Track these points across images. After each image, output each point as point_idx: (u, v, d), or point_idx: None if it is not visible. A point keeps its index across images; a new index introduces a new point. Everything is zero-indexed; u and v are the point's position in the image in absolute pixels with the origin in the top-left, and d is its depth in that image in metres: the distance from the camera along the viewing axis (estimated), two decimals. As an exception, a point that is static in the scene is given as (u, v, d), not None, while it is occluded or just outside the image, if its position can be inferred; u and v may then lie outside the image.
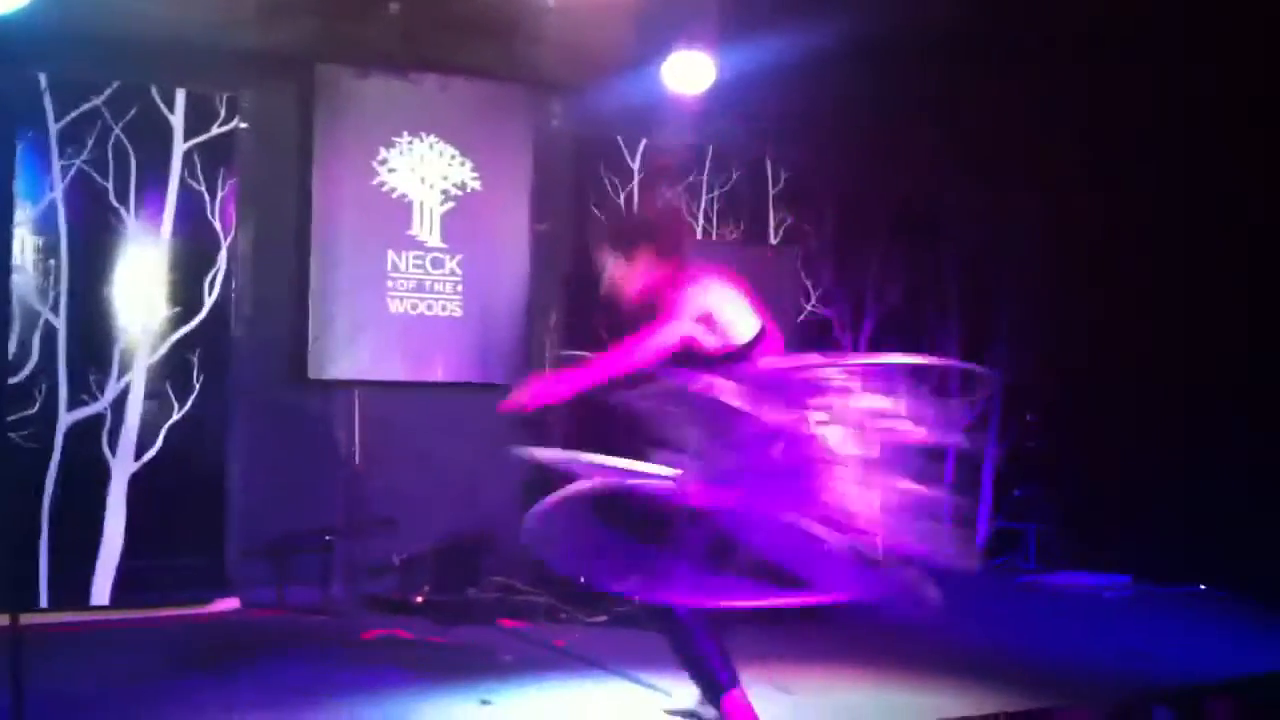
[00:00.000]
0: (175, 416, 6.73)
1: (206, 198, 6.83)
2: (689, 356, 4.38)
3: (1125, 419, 8.26)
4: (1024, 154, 8.09)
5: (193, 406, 6.78)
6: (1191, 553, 7.84)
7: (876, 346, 8.63)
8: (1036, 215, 8.44)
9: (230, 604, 6.82)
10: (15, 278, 6.37)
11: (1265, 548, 7.59)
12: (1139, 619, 6.98)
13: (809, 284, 8.47)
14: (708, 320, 4.41)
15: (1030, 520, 8.66)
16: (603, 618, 6.69)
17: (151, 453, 6.67)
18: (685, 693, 4.83)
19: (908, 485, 3.97)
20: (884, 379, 4.12)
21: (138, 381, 6.63)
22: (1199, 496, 7.87)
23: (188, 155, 6.80)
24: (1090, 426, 8.47)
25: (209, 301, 6.85)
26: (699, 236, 8.05)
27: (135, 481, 6.60)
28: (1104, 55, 7.57)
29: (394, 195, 7.32)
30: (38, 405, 6.40)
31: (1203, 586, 7.69)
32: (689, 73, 7.35)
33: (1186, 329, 7.87)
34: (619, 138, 7.97)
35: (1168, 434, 8.05)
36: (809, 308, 8.46)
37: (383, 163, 7.28)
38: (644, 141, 8.01)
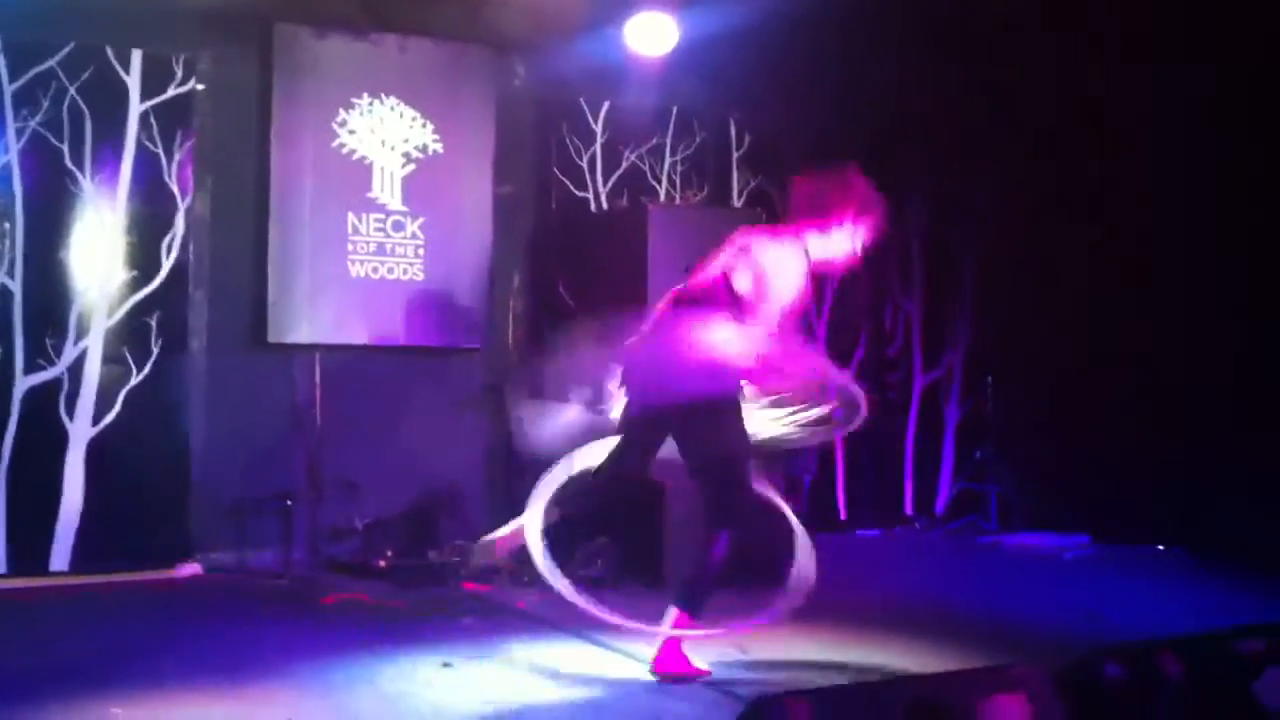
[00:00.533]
0: (134, 381, 6.69)
1: (163, 160, 6.77)
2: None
3: (1082, 380, 8.31)
4: (984, 118, 8.10)
5: (151, 371, 6.74)
6: (1150, 512, 7.92)
7: (840, 309, 8.66)
8: (995, 179, 8.47)
9: (192, 569, 6.79)
10: (-31, 242, 6.31)
11: (1222, 506, 7.69)
12: (1096, 578, 7.05)
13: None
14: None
15: (991, 482, 8.72)
16: (565, 580, 6.69)
17: (110, 418, 6.62)
18: (645, 652, 4.87)
19: None
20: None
21: (95, 346, 6.58)
22: (1157, 456, 7.94)
23: (144, 117, 6.72)
24: (1047, 387, 8.52)
25: (167, 265, 6.79)
26: (662, 199, 8.03)
27: (94, 447, 6.55)
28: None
29: (354, 157, 7.26)
30: (-7, 371, 6.35)
31: (1161, 546, 7.75)
32: (652, 34, 7.33)
33: (1143, 290, 7.92)
34: (582, 99, 7.94)
35: (1126, 395, 8.11)
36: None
37: (342, 124, 7.21)
38: (607, 103, 7.98)
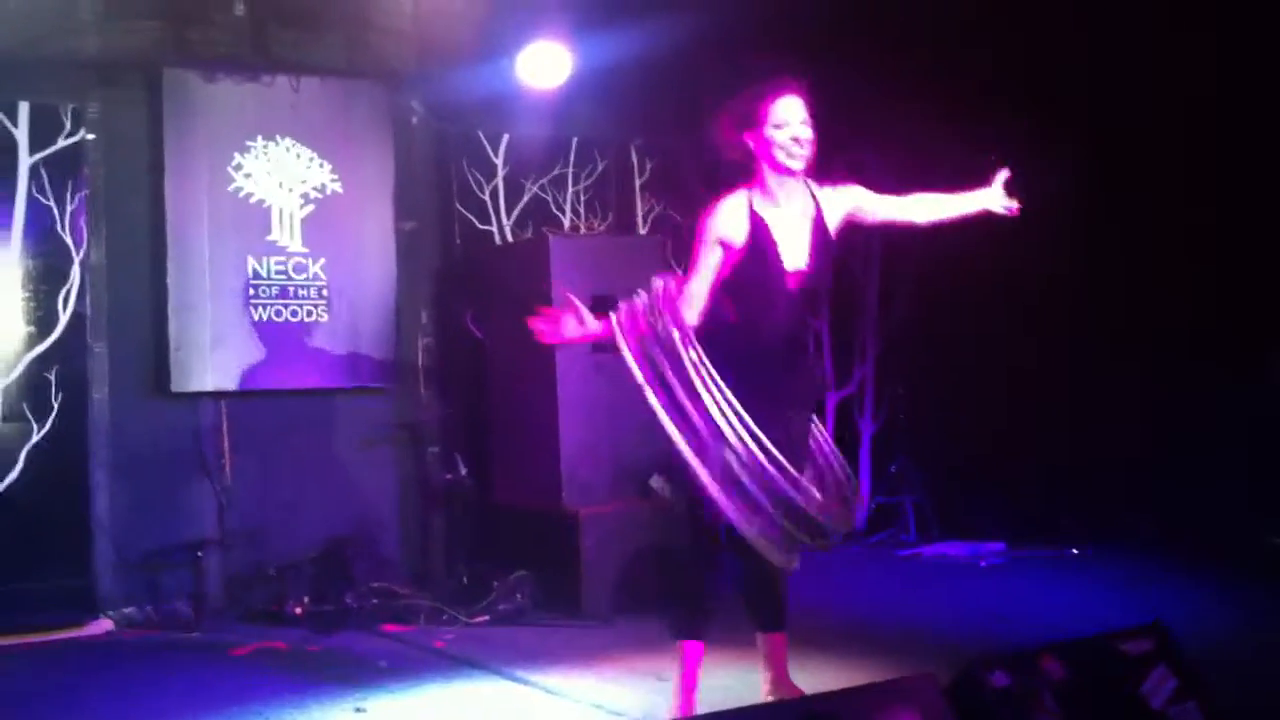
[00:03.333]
0: (35, 438, 6.60)
1: (56, 212, 6.70)
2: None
3: (995, 388, 8.41)
4: (879, 136, 8.18)
5: (53, 426, 6.65)
6: (1063, 518, 8.02)
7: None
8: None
9: (102, 625, 6.66)
10: None
11: (1136, 508, 7.82)
12: (1008, 585, 7.13)
13: (680, 271, 8.47)
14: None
15: (907, 494, 8.79)
16: (484, 618, 6.67)
17: (13, 475, 6.54)
18: (569, 688, 4.85)
19: None
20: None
21: (-7, 403, 6.49)
22: (1070, 462, 8.06)
23: (34, 169, 6.66)
24: (960, 397, 8.61)
25: (65, 317, 6.74)
26: (567, 228, 8.05)
27: (-2, 507, 6.44)
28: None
29: (251, 200, 7.18)
30: (-108, 432, 6.24)
31: (1075, 550, 7.85)
32: (546, 64, 7.33)
33: (1052, 298, 8.03)
34: (480, 132, 7.94)
35: (1038, 402, 8.21)
36: (681, 295, 8.45)
37: (238, 168, 7.14)
38: (507, 135, 7.98)
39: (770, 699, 4.45)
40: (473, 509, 7.47)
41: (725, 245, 4.30)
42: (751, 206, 4.33)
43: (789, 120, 4.30)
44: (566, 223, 8.12)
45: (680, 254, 8.48)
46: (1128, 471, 7.89)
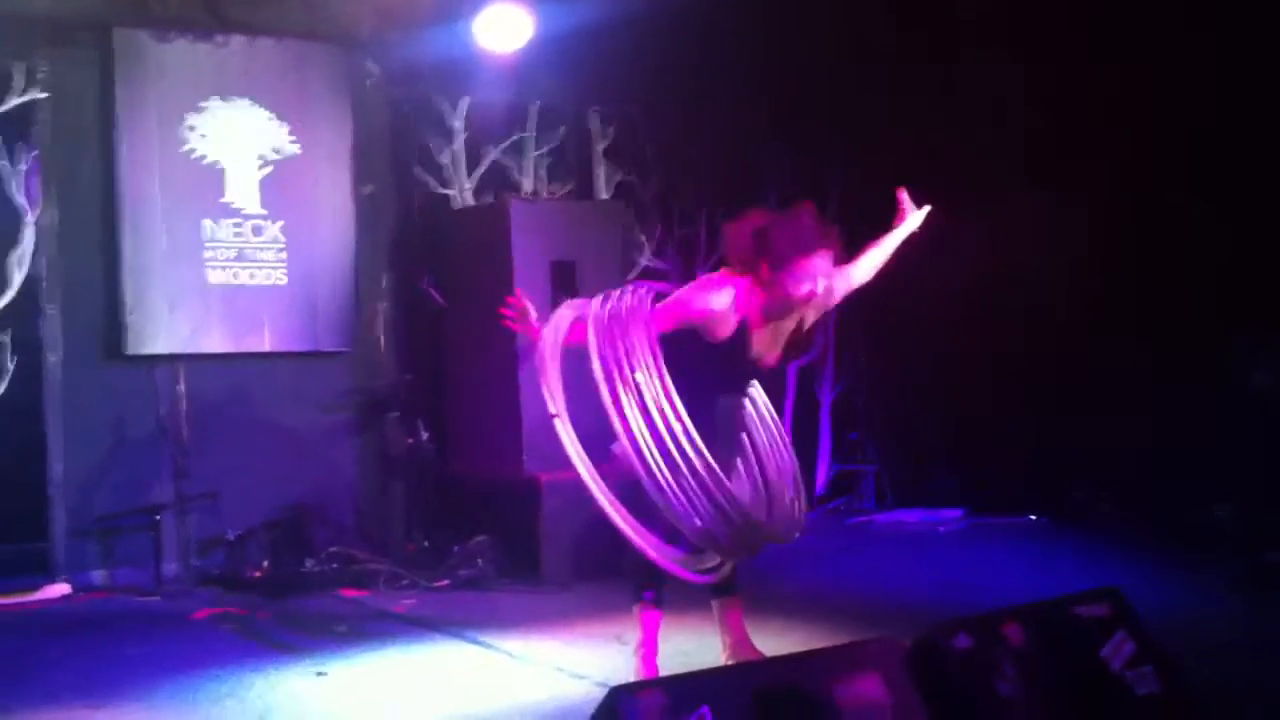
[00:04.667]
0: (-11, 402, 6.50)
1: (7, 172, 6.58)
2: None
3: (954, 356, 8.43)
4: (837, 109, 8.19)
5: (7, 390, 6.57)
6: (1021, 484, 8.08)
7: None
8: (845, 159, 8.54)
9: (60, 589, 6.62)
10: None
11: (1091, 475, 7.87)
12: (967, 551, 7.18)
13: (642, 238, 8.48)
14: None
15: (867, 462, 8.82)
16: (445, 583, 6.66)
17: (-34, 440, 6.45)
18: (530, 652, 4.86)
19: None
20: None
21: (-53, 368, 6.40)
22: (1027, 429, 8.10)
23: (-15, 129, 6.54)
24: (920, 365, 8.64)
25: (18, 279, 6.65)
26: (526, 193, 8.00)
27: (-49, 470, 6.38)
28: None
29: (205, 162, 7.09)
30: None
31: (1033, 517, 7.91)
32: (506, 28, 7.26)
33: (1007, 264, 8.05)
34: (440, 97, 7.85)
35: (996, 370, 8.25)
36: (642, 262, 8.46)
37: (192, 129, 7.05)
38: (466, 100, 7.90)
39: (731, 663, 4.47)
40: (433, 475, 7.44)
41: (704, 327, 4.34)
42: (740, 318, 4.36)
43: (816, 277, 4.32)
44: (527, 188, 8.06)
45: (641, 218, 8.49)
46: (1084, 444, 7.94)
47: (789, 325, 4.49)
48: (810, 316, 4.56)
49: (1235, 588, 5.66)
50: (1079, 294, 7.86)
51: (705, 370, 4.39)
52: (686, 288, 4.51)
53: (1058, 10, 7.48)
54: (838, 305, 4.83)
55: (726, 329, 4.36)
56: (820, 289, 4.34)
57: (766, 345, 4.46)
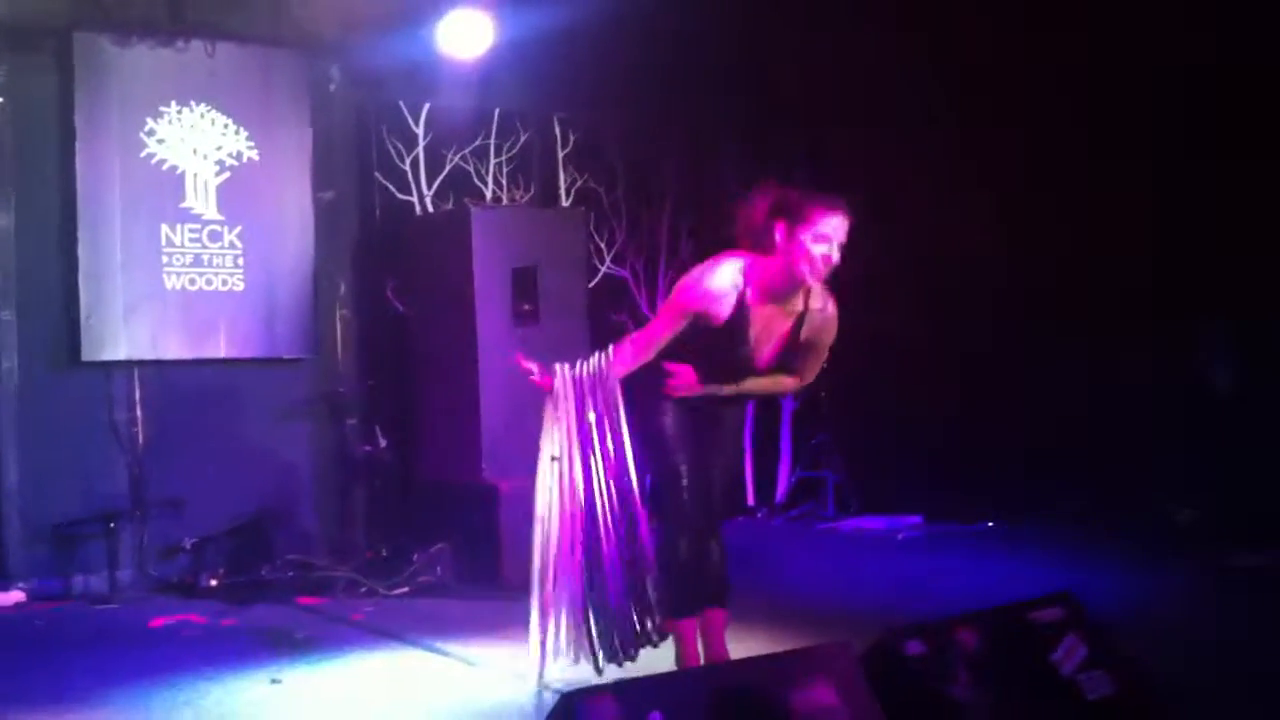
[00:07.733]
0: (-56, 408, 6.44)
1: (-37, 176, 6.54)
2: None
3: (914, 362, 8.47)
4: (798, 116, 8.23)
5: (-38, 396, 6.50)
6: (978, 491, 8.12)
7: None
8: (809, 173, 8.57)
9: (14, 597, 6.55)
10: None
11: (1051, 483, 7.93)
12: (925, 558, 7.22)
13: (602, 244, 8.49)
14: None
15: (827, 468, 8.85)
16: (404, 590, 6.65)
17: (-78, 446, 6.38)
18: (490, 658, 4.88)
19: None
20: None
21: (-99, 374, 6.34)
22: (985, 435, 8.15)
23: (-58, 133, 6.48)
24: (880, 372, 8.67)
25: (-27, 285, 6.57)
26: (488, 200, 8.00)
27: (-94, 477, 6.31)
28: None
29: (164, 167, 7.03)
30: None
31: (991, 523, 7.95)
32: (468, 33, 7.25)
33: (962, 268, 8.11)
34: (400, 102, 7.84)
35: (955, 376, 8.29)
36: (603, 268, 8.48)
37: (150, 134, 7.00)
38: (428, 105, 7.89)
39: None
40: (392, 482, 7.42)
41: (701, 319, 4.34)
42: (740, 292, 4.35)
43: (832, 238, 4.29)
44: (488, 194, 8.05)
45: (601, 227, 8.50)
46: (1044, 447, 7.99)
47: (784, 324, 4.44)
48: (804, 331, 4.48)
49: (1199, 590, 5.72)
50: (1040, 297, 7.92)
51: (696, 367, 4.41)
52: (684, 276, 4.51)
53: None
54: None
55: (726, 308, 4.32)
56: (835, 256, 4.28)
57: (760, 333, 4.40)
